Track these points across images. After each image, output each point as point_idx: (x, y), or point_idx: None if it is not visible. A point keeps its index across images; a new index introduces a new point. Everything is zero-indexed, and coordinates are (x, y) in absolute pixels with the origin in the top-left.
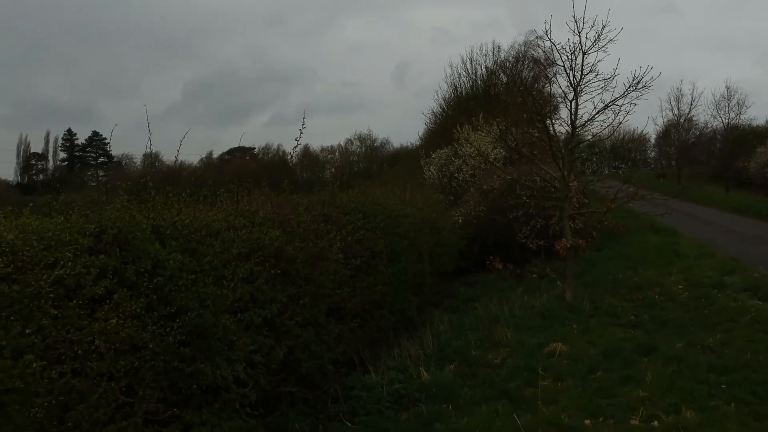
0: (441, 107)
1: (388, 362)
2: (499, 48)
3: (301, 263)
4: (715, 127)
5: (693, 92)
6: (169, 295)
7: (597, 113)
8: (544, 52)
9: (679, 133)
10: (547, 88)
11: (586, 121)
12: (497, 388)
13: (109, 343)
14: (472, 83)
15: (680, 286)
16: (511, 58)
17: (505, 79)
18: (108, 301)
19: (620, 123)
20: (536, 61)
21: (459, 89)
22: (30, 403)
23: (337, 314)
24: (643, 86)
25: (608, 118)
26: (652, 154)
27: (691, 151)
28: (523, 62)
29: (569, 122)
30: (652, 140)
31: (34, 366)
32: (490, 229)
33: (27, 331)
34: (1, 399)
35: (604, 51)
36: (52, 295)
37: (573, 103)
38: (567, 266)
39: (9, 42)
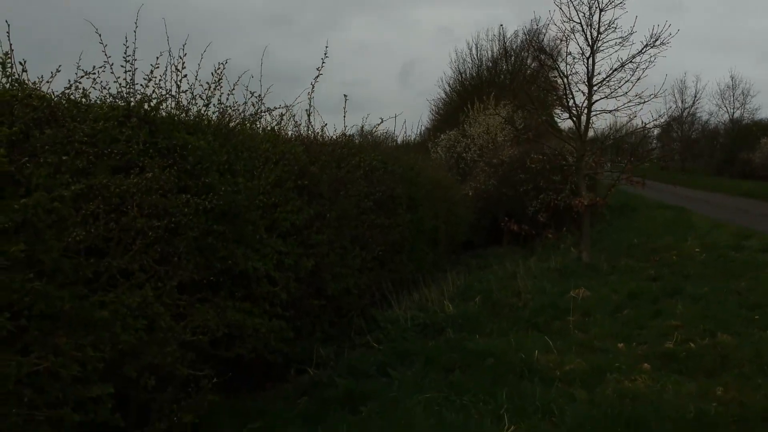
0: (446, 93)
1: (409, 303)
2: (505, 34)
3: (326, 185)
4: (717, 124)
5: (697, 85)
6: (200, 173)
7: (614, 71)
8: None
9: (682, 126)
10: (552, 76)
11: (603, 79)
12: (523, 321)
13: (141, 207)
14: (478, 69)
15: (697, 249)
16: (515, 47)
17: (510, 68)
18: (139, 166)
19: (639, 79)
20: (541, 49)
21: (464, 74)
22: (64, 234)
23: (361, 242)
24: (661, 43)
25: (626, 76)
26: (655, 149)
27: (695, 146)
28: (528, 50)
29: (586, 80)
30: (655, 134)
31: (66, 195)
32: (501, 202)
33: (58, 175)
34: (38, 225)
35: (621, 7)
36: (85, 145)
37: (590, 60)
38: (584, 226)
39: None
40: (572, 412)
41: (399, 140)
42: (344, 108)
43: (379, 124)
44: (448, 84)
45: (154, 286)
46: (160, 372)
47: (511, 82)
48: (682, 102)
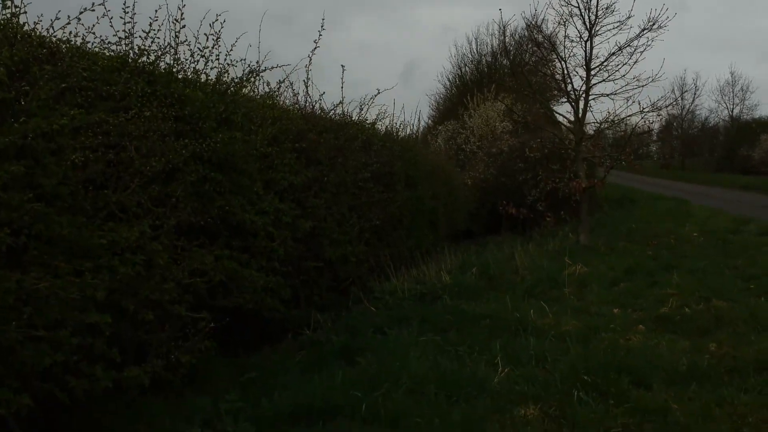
0: (446, 88)
1: (407, 278)
2: (504, 24)
3: (323, 152)
4: (717, 122)
5: (696, 82)
6: (197, 123)
7: (612, 54)
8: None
9: (682, 124)
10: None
11: (601, 63)
12: (520, 291)
13: (139, 148)
14: (477, 65)
15: (695, 234)
16: (516, 38)
17: (508, 63)
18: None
19: (636, 62)
20: (538, 44)
21: (463, 69)
22: (63, 160)
23: (359, 212)
24: (659, 26)
25: (624, 59)
26: (654, 147)
27: (694, 144)
28: (527, 45)
29: (584, 64)
30: (655, 134)
31: (65, 124)
32: (499, 192)
33: (57, 106)
34: (37, 149)
35: None
36: (85, 80)
37: (588, 43)
38: (582, 209)
39: None
40: (565, 360)
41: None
42: (342, 79)
43: (376, 95)
44: (448, 79)
45: (151, 225)
46: (158, 310)
47: (511, 76)
48: (681, 99)
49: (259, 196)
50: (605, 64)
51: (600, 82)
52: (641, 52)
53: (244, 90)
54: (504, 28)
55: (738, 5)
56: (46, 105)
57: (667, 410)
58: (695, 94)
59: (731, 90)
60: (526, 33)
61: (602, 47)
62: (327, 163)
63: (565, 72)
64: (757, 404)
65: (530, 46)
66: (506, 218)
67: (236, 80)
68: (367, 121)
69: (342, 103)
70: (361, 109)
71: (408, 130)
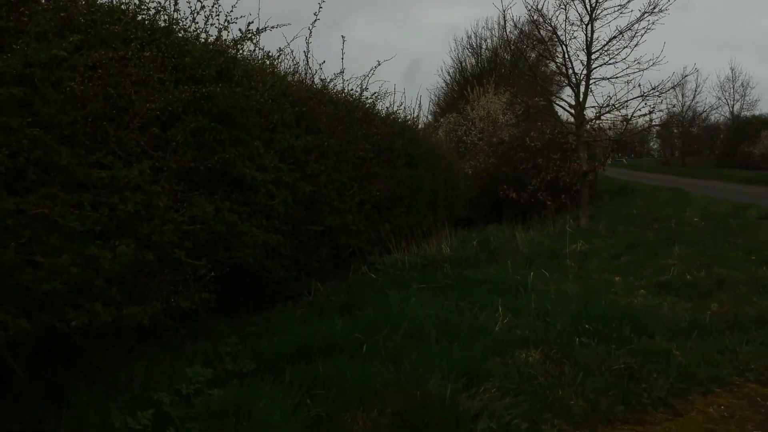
0: (446, 82)
1: (408, 252)
2: (504, 22)
3: (324, 120)
4: (718, 120)
5: (697, 79)
6: (196, 70)
7: (613, 38)
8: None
9: (683, 121)
10: (551, 65)
11: (602, 46)
12: (521, 261)
13: (139, 92)
14: (477, 59)
15: (696, 219)
16: (514, 38)
17: (508, 58)
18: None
19: (637, 44)
20: (540, 40)
21: (463, 63)
22: (63, 87)
23: (360, 182)
24: (659, 10)
25: (625, 43)
26: (655, 145)
27: (695, 143)
28: (527, 41)
29: (585, 48)
30: (655, 131)
31: (63, 56)
32: (500, 181)
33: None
34: (36, 76)
35: None
36: (83, 17)
37: (589, 27)
38: (583, 193)
39: None
40: (567, 313)
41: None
42: (342, 50)
43: (376, 67)
44: (448, 73)
45: (152, 167)
46: (158, 252)
47: (512, 71)
48: (682, 96)
49: (259, 154)
50: (606, 47)
51: (601, 65)
52: (642, 36)
53: (243, 51)
54: (504, 12)
55: (740, 5)
56: (44, 37)
57: (669, 353)
58: (696, 91)
59: (732, 86)
60: (526, 29)
61: (603, 31)
62: (327, 131)
63: (566, 56)
64: (760, 354)
65: (531, 39)
66: (507, 205)
67: (236, 38)
68: (368, 98)
69: (342, 73)
70: (362, 89)
71: (409, 116)
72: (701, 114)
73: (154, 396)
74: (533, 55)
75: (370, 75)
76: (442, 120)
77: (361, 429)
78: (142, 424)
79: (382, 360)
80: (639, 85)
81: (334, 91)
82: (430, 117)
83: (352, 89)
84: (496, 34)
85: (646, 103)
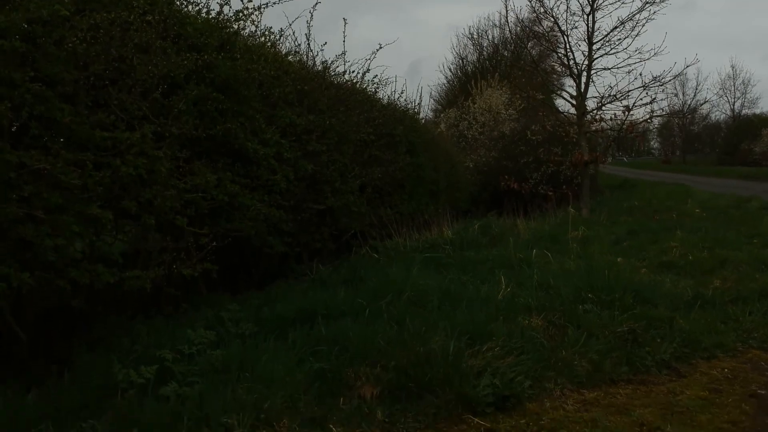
0: (447, 79)
1: (409, 237)
2: (506, 11)
3: (324, 101)
4: (718, 119)
5: (698, 77)
6: (198, 39)
7: (614, 28)
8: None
9: (683, 119)
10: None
11: (604, 36)
12: (522, 244)
13: (141, 58)
14: (479, 55)
15: (697, 210)
16: (515, 28)
17: (509, 55)
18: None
19: (638, 34)
20: (541, 35)
21: (465, 60)
22: (63, 44)
23: (361, 164)
24: (661, 0)
25: (626, 33)
26: (656, 144)
27: (696, 142)
28: (528, 38)
29: (585, 38)
30: (655, 129)
31: (64, 15)
32: (502, 175)
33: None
34: (37, 33)
35: None
36: None
37: (590, 17)
38: (583, 184)
39: None
40: (569, 285)
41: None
42: (343, 32)
43: (377, 51)
44: (449, 69)
45: (154, 132)
46: (160, 217)
47: (513, 64)
48: (683, 94)
49: (261, 128)
50: (607, 38)
51: (602, 55)
52: (643, 25)
53: (244, 29)
54: (505, 3)
55: (742, 4)
56: None
57: (672, 320)
58: (697, 89)
59: (732, 84)
60: (528, 19)
61: (604, 21)
62: (329, 111)
63: (568, 46)
64: (763, 323)
65: (533, 32)
66: (507, 197)
67: (238, 10)
68: (370, 81)
69: (344, 54)
70: (364, 71)
71: (410, 105)
72: (700, 105)
73: (157, 353)
74: (534, 51)
75: (371, 58)
76: (442, 115)
77: (363, 384)
78: (144, 378)
79: (385, 322)
80: (641, 75)
81: (336, 73)
82: (431, 114)
83: (354, 71)
84: (498, 32)
85: (647, 93)
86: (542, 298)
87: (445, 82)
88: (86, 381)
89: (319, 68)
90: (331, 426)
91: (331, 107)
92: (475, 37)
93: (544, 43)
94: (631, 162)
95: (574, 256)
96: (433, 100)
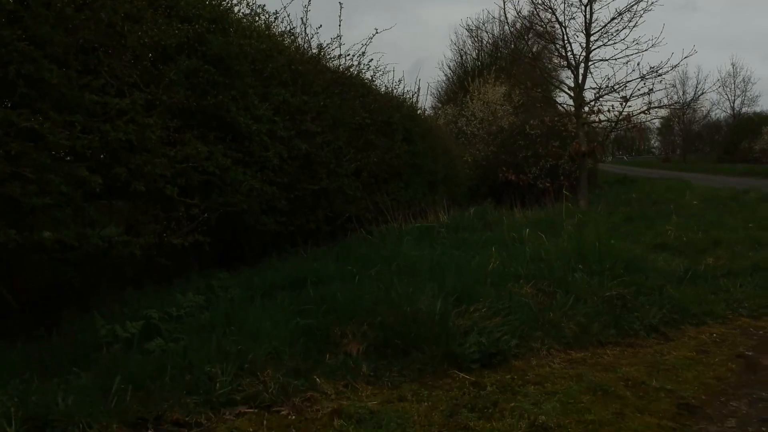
0: (447, 76)
1: (405, 223)
2: (505, 15)
3: (320, 84)
4: (719, 118)
5: (699, 75)
6: (190, 10)
7: (612, 19)
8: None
9: (683, 115)
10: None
11: (601, 27)
12: (517, 227)
13: (131, 27)
14: (478, 52)
15: (695, 202)
16: (514, 31)
17: (508, 52)
18: None
19: (636, 25)
20: (540, 34)
21: (464, 56)
22: (53, 2)
23: (357, 148)
24: None
25: (624, 23)
26: (656, 143)
27: (696, 141)
28: (528, 36)
29: (583, 29)
30: (656, 129)
31: None
32: (500, 168)
33: None
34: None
35: None
36: None
37: (588, 8)
38: (581, 175)
39: None
40: (561, 257)
41: None
42: (339, 17)
43: (374, 36)
44: (449, 66)
45: (145, 99)
46: (150, 186)
47: (513, 58)
48: (683, 93)
49: (254, 105)
50: (605, 29)
51: (600, 46)
52: (640, 16)
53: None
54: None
55: (743, 4)
56: None
57: (662, 288)
58: (697, 87)
59: (733, 82)
60: (526, 12)
61: (602, 12)
62: (323, 93)
63: (565, 38)
64: (754, 294)
65: (532, 25)
66: (506, 190)
67: None
68: (365, 65)
69: (339, 38)
70: (361, 54)
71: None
72: (698, 96)
73: (144, 312)
74: (535, 48)
75: (367, 43)
76: (440, 111)
77: (350, 341)
78: (130, 333)
79: (374, 285)
80: (638, 64)
81: (331, 56)
82: (430, 111)
83: (349, 55)
84: (497, 25)
85: (644, 84)
86: (533, 269)
87: (444, 79)
88: (73, 338)
89: (315, 51)
90: (316, 377)
91: (326, 89)
92: (473, 30)
93: (543, 34)
94: (631, 161)
95: (568, 237)
96: (432, 97)
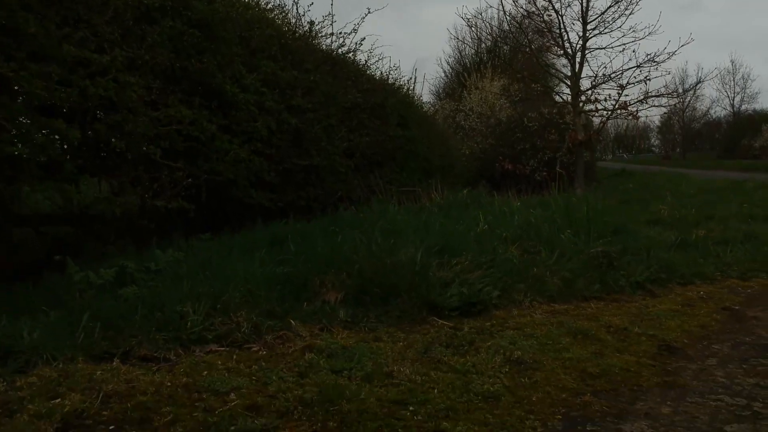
0: (445, 72)
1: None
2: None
3: (311, 60)
4: (719, 116)
5: (699, 73)
6: None
7: (609, 7)
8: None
9: (683, 115)
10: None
11: (599, 15)
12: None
13: None
14: (477, 49)
15: (692, 191)
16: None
17: (507, 49)
18: None
19: (632, 12)
20: (539, 31)
21: (463, 53)
22: None
23: (349, 128)
24: None
25: (621, 11)
26: (656, 141)
27: (696, 139)
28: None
29: (580, 17)
30: (656, 127)
31: None
32: (498, 158)
33: None
34: None
35: None
36: None
37: None
38: (578, 163)
39: None
40: (550, 224)
41: None
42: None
43: (366, 15)
44: (447, 62)
45: (127, 57)
46: (131, 145)
47: (512, 58)
48: (683, 90)
49: (241, 74)
50: (602, 17)
51: (597, 35)
52: (637, 3)
53: None
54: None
55: (746, 4)
56: None
57: (650, 248)
58: (697, 85)
59: (732, 79)
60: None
61: (599, 0)
62: (315, 71)
63: (562, 26)
64: (744, 259)
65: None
66: (503, 182)
67: None
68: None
69: (332, 17)
70: (354, 30)
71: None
72: (695, 85)
73: (120, 262)
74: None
75: (360, 23)
76: (438, 106)
77: (328, 290)
78: (104, 279)
79: (356, 240)
80: (633, 51)
81: (323, 34)
82: (428, 106)
83: (341, 33)
84: (495, 12)
85: (641, 71)
86: (520, 232)
87: (442, 75)
88: (49, 288)
89: (306, 28)
90: (291, 320)
91: (317, 67)
92: (471, 19)
93: (540, 26)
94: (631, 159)
95: (558, 208)
96: (431, 93)
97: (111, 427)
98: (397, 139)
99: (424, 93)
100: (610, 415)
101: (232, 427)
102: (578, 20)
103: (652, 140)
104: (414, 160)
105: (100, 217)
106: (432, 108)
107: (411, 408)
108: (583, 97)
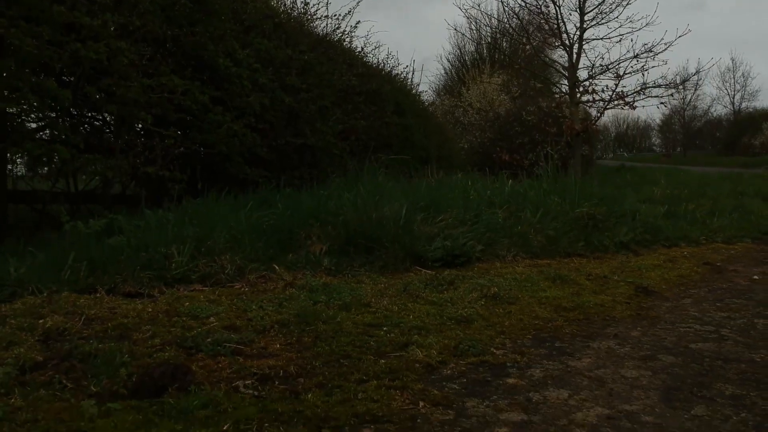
0: (445, 70)
1: None
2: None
3: (306, 43)
4: (720, 115)
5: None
6: None
7: None
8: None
9: (684, 115)
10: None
11: (596, 6)
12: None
13: None
14: (477, 46)
15: (688, 180)
16: (514, 25)
17: (508, 46)
18: None
19: (629, 3)
20: (538, 27)
21: (463, 50)
22: None
23: (344, 111)
24: None
25: (617, 5)
26: (657, 140)
27: (697, 138)
28: (527, 29)
29: (577, 7)
30: (657, 126)
31: None
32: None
33: None
34: None
35: None
36: None
37: None
38: (575, 150)
39: None
40: (539, 193)
41: None
42: None
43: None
44: (447, 59)
45: (117, 23)
46: (122, 110)
47: (511, 58)
48: (683, 89)
49: (234, 49)
50: (599, 8)
51: (594, 25)
52: None
53: None
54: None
55: (749, 4)
56: None
57: (636, 213)
58: (697, 84)
59: (732, 77)
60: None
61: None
62: (309, 50)
63: (559, 17)
64: (730, 226)
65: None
66: (501, 172)
67: None
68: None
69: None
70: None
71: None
72: (692, 76)
73: (110, 216)
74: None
75: (355, 7)
76: (437, 101)
77: (313, 242)
78: (92, 229)
79: (343, 197)
80: (631, 40)
81: (318, 16)
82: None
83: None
84: (496, 21)
85: (638, 62)
86: (508, 198)
87: (442, 72)
88: (40, 240)
89: (300, 9)
90: (275, 266)
91: (312, 48)
92: (469, 10)
93: (537, 17)
94: (631, 157)
95: (548, 180)
96: (431, 90)
97: (90, 341)
98: (393, 126)
99: (424, 91)
100: (579, 336)
101: (209, 339)
102: (575, 11)
103: (653, 139)
104: (410, 149)
105: (92, 194)
106: (431, 103)
107: (384, 328)
108: (580, 88)
